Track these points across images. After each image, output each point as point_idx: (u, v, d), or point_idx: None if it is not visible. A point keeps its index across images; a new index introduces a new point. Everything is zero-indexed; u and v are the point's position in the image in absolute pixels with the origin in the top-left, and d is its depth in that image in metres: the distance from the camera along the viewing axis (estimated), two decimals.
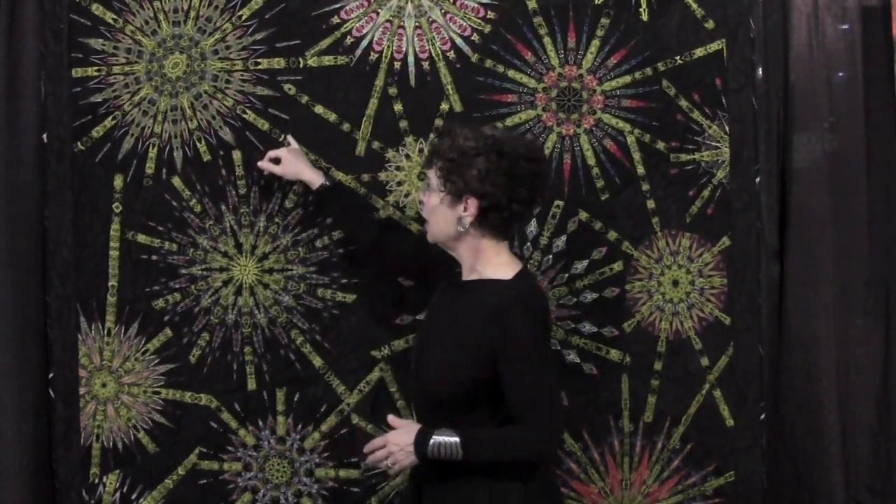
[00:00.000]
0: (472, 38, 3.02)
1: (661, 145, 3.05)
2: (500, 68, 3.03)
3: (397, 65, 3.01)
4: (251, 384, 3.02)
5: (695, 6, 3.03)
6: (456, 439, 2.46)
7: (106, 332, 3.02)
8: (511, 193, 2.51)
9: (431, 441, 2.48)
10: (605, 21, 3.02)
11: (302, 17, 3.00)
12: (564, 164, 3.04)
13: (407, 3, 3.01)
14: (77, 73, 2.99)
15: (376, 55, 3.01)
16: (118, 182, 3.00)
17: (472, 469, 2.49)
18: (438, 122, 3.01)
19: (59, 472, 3.02)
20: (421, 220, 2.97)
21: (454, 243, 2.60)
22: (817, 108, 3.12)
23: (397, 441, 2.54)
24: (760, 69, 3.06)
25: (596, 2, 3.02)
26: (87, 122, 3.00)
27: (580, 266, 3.06)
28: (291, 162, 2.92)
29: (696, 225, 3.06)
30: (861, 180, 3.14)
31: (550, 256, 3.05)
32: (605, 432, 3.07)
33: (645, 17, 3.03)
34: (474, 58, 3.02)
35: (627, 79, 3.04)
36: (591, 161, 3.05)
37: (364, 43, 3.01)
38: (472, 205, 2.52)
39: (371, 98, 3.01)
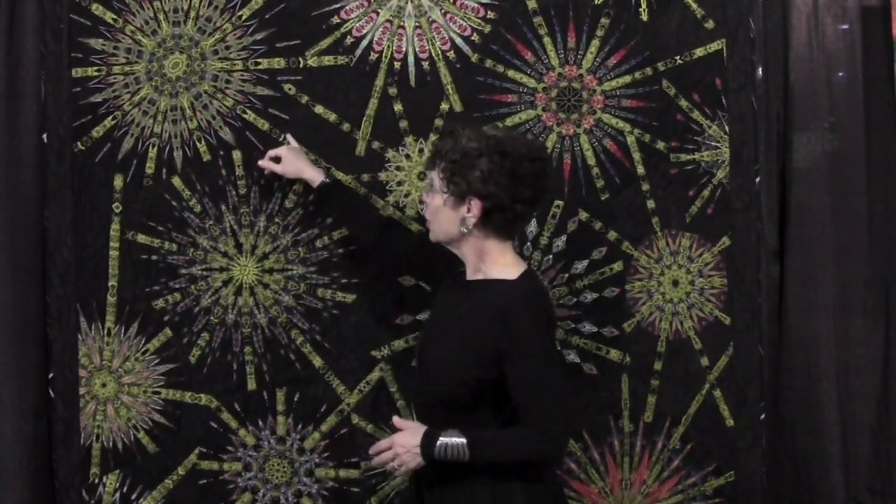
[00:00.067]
0: (472, 38, 3.02)
1: (661, 145, 3.05)
2: (500, 68, 3.03)
3: (397, 65, 3.01)
4: (251, 384, 3.02)
5: (695, 6, 3.03)
6: (463, 440, 2.45)
7: (106, 332, 3.02)
8: (514, 194, 2.49)
9: (438, 442, 2.47)
10: (605, 21, 3.02)
11: (302, 17, 3.00)
12: (564, 164, 3.04)
13: (407, 3, 3.01)
14: (77, 73, 2.99)
15: (376, 55, 3.01)
16: (118, 182, 3.00)
17: (475, 469, 2.48)
18: (438, 122, 3.01)
19: (59, 472, 3.02)
20: (421, 220, 2.97)
21: (458, 244, 2.59)
22: (817, 108, 3.12)
23: (403, 442, 2.52)
24: (760, 69, 3.06)
25: (596, 2, 3.02)
26: (87, 122, 3.00)
27: (580, 266, 3.06)
28: (292, 160, 2.92)
29: (696, 225, 3.06)
30: (861, 180, 3.14)
31: (550, 256, 3.05)
32: (605, 432, 3.07)
33: (645, 17, 3.03)
34: (474, 58, 3.02)
35: (627, 79, 3.04)
36: (591, 161, 3.05)
37: (364, 43, 3.01)
38: (476, 206, 2.51)
39: (371, 98, 3.01)
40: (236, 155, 3.01)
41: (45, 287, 3.02)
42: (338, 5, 3.01)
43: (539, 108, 3.04)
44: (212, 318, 3.02)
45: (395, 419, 2.61)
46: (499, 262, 2.55)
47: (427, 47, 3.01)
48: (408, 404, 3.02)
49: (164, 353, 3.02)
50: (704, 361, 3.06)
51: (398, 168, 3.02)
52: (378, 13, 3.01)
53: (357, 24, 3.01)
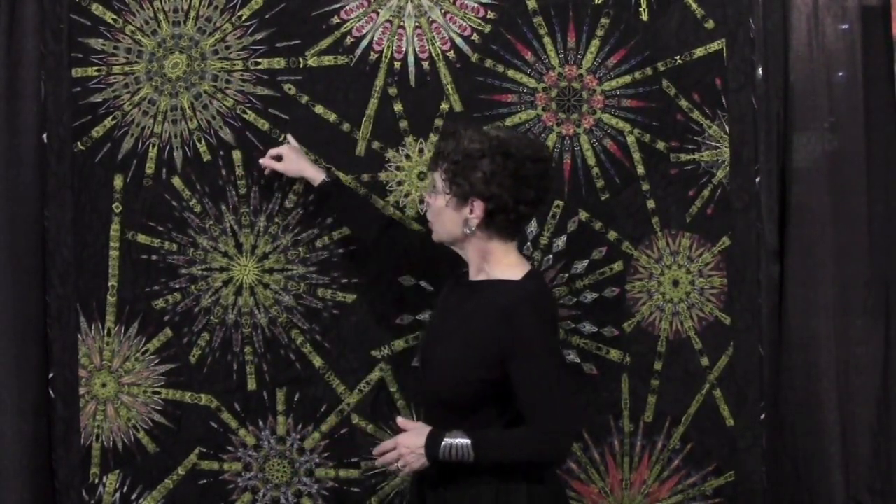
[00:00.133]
0: (472, 38, 3.02)
1: (661, 145, 3.05)
2: (500, 68, 3.03)
3: (397, 65, 3.01)
4: (251, 384, 3.02)
5: (695, 6, 3.03)
6: (467, 441, 2.45)
7: (106, 332, 3.02)
8: (517, 195, 2.48)
9: (443, 443, 2.46)
10: (605, 21, 3.02)
11: (302, 17, 3.00)
12: (564, 164, 3.04)
13: (407, 3, 3.01)
14: (77, 73, 2.99)
15: (376, 55, 3.01)
16: (118, 182, 3.00)
17: (478, 470, 2.47)
18: (438, 122, 3.01)
19: (59, 472, 3.02)
20: (422, 220, 2.98)
21: (461, 244, 2.58)
22: (817, 108, 3.13)
23: (408, 443, 2.51)
24: (760, 69, 3.06)
25: (596, 2, 3.02)
26: (87, 122, 3.00)
27: (580, 266, 3.06)
28: (293, 159, 2.92)
29: (696, 225, 3.06)
30: (861, 180, 3.14)
31: (550, 256, 3.05)
32: (605, 432, 3.07)
33: (645, 17, 3.03)
34: (474, 58, 3.02)
35: (627, 79, 3.04)
36: (591, 161, 3.05)
37: (364, 43, 3.01)
38: (479, 207, 2.50)
39: (371, 98, 3.01)
40: (236, 155, 3.01)
41: (45, 287, 3.02)
42: (338, 5, 3.01)
43: (539, 108, 3.04)
44: (212, 318, 3.02)
45: (399, 419, 2.60)
46: (502, 263, 2.55)
47: (427, 47, 3.01)
48: (408, 404, 3.02)
49: (164, 353, 3.02)
50: (704, 361, 3.07)
51: (398, 168, 3.02)
52: (378, 13, 3.01)
53: (357, 24, 3.01)
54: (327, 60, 3.01)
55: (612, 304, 3.06)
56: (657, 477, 3.08)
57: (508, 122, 3.02)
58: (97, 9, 2.99)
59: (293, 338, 3.02)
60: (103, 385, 3.02)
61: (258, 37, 3.00)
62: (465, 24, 3.02)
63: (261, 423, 3.03)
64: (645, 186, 3.05)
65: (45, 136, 3.00)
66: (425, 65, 3.01)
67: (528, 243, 3.04)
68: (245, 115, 3.00)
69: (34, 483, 3.02)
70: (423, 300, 3.01)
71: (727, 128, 3.05)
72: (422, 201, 3.01)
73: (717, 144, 3.05)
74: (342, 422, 3.03)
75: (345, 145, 3.01)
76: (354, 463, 3.03)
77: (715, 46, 3.04)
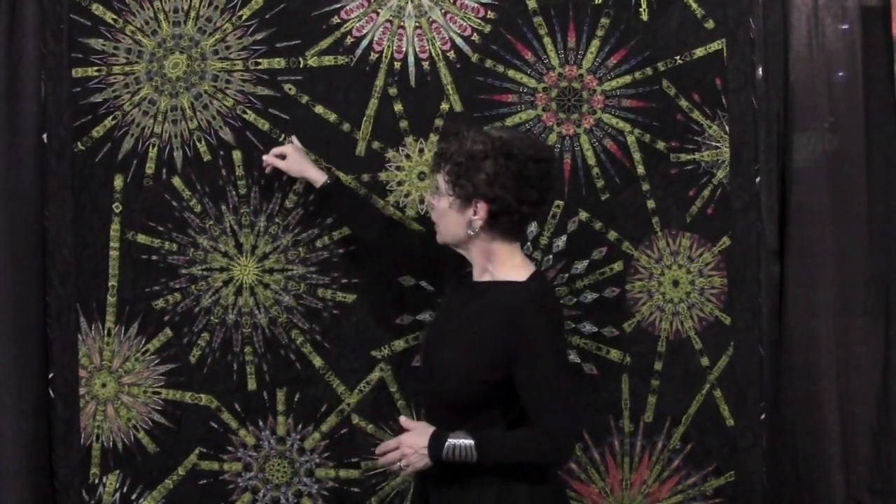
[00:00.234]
0: (472, 38, 3.02)
1: (661, 145, 3.05)
2: (500, 68, 3.03)
3: (397, 65, 3.01)
4: (251, 384, 3.02)
5: (695, 6, 3.03)
6: (471, 442, 2.44)
7: (106, 332, 3.01)
8: (521, 196, 2.47)
9: (446, 444, 2.46)
10: (605, 21, 3.02)
11: (302, 17, 3.00)
12: (564, 164, 3.04)
13: (407, 3, 3.01)
14: (77, 73, 2.99)
15: (376, 55, 3.01)
16: (118, 182, 3.00)
17: (480, 470, 2.47)
18: (438, 122, 3.01)
19: (59, 472, 3.02)
20: (422, 220, 2.98)
21: (465, 246, 2.57)
22: (817, 108, 3.13)
23: (411, 443, 2.51)
24: (760, 69, 3.06)
25: (596, 2, 3.02)
26: (87, 122, 3.00)
27: (580, 266, 3.06)
28: (297, 159, 2.92)
29: (696, 225, 3.06)
30: (861, 180, 3.14)
31: (550, 256, 3.05)
32: (605, 432, 3.07)
33: (645, 17, 3.03)
34: (474, 58, 3.02)
35: (627, 79, 3.04)
36: (592, 161, 3.05)
37: (364, 43, 3.01)
38: (482, 208, 2.49)
39: (371, 98, 3.01)
40: (236, 155, 3.01)
41: (45, 287, 3.02)
42: (338, 5, 3.01)
43: (539, 108, 3.04)
44: (212, 318, 3.02)
45: (402, 419, 2.59)
46: (507, 264, 2.54)
47: (427, 47, 3.01)
48: (408, 404, 3.02)
49: (165, 353, 3.02)
50: (705, 361, 3.07)
51: (398, 168, 3.02)
52: (378, 13, 3.01)
53: (357, 25, 3.01)
54: (327, 60, 3.01)
55: (612, 304, 3.06)
56: (657, 477, 3.08)
57: (508, 122, 3.02)
58: (97, 9, 2.99)
59: (293, 338, 3.02)
60: (103, 385, 3.02)
61: (258, 37, 3.00)
62: (465, 24, 3.02)
63: (261, 423, 3.03)
64: (645, 186, 3.05)
65: (45, 136, 3.00)
66: (425, 65, 3.01)
67: (528, 243, 3.04)
68: (245, 116, 3.00)
69: (34, 483, 3.02)
70: (423, 300, 3.01)
71: (727, 128, 3.05)
72: (422, 201, 3.01)
73: (718, 144, 3.05)
74: (342, 422, 3.03)
75: (345, 145, 3.01)
76: (354, 463, 3.03)
77: (715, 46, 3.04)
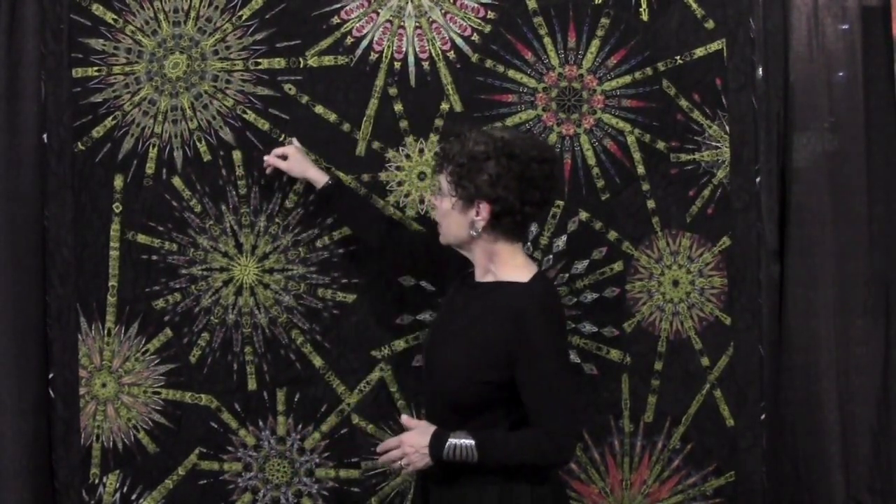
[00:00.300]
0: (472, 38, 3.02)
1: (661, 145, 3.05)
2: (500, 68, 3.03)
3: (397, 65, 3.01)
4: (251, 384, 3.02)
5: (695, 6, 3.03)
6: (472, 442, 2.44)
7: (106, 332, 3.01)
8: (523, 196, 2.47)
9: (447, 443, 2.46)
10: (605, 21, 3.02)
11: (302, 17, 3.00)
12: (564, 164, 3.04)
13: (407, 3, 3.01)
14: (77, 73, 2.99)
15: (376, 55, 3.01)
16: (118, 182, 3.00)
17: (482, 470, 2.47)
18: (438, 122, 3.01)
19: (59, 472, 3.02)
20: (422, 220, 2.98)
21: (468, 246, 2.57)
22: (817, 108, 3.13)
23: (412, 442, 2.51)
24: (760, 69, 3.06)
25: (596, 2, 3.02)
26: (88, 122, 3.00)
27: (580, 266, 3.06)
28: (298, 160, 2.92)
29: (696, 225, 3.06)
30: (861, 180, 3.14)
31: (551, 256, 3.05)
32: (605, 432, 3.07)
33: (645, 17, 3.03)
34: (474, 58, 3.02)
35: (627, 79, 3.04)
36: (592, 161, 3.05)
37: (364, 43, 3.01)
38: (485, 209, 2.49)
39: (371, 98, 3.01)
40: (236, 155, 3.01)
41: (45, 287, 3.02)
42: (338, 5, 3.01)
43: (539, 108, 3.04)
44: (212, 318, 3.02)
45: (404, 418, 2.60)
46: (509, 264, 2.54)
47: (427, 47, 3.01)
48: (408, 404, 3.02)
49: (165, 353, 3.02)
50: (705, 361, 3.07)
51: (398, 168, 3.02)
52: (378, 13, 3.01)
53: (357, 25, 3.01)
54: (327, 60, 3.01)
55: (612, 304, 3.06)
56: (657, 477, 3.08)
57: (509, 122, 3.02)
58: (97, 9, 2.99)
59: (293, 338, 3.02)
60: (103, 385, 3.02)
61: (258, 37, 3.00)
62: (465, 24, 3.02)
63: (261, 423, 3.03)
64: (645, 186, 3.05)
65: (45, 136, 3.00)
66: (425, 65, 3.01)
67: (529, 243, 3.03)
68: (245, 116, 3.00)
69: (34, 483, 3.02)
70: (423, 300, 3.02)
71: (727, 128, 3.05)
72: (422, 201, 3.01)
73: (718, 144, 3.05)
74: (342, 422, 3.03)
75: (345, 145, 3.01)
76: (355, 463, 3.03)
77: (715, 46, 3.04)
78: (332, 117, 3.01)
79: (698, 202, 3.06)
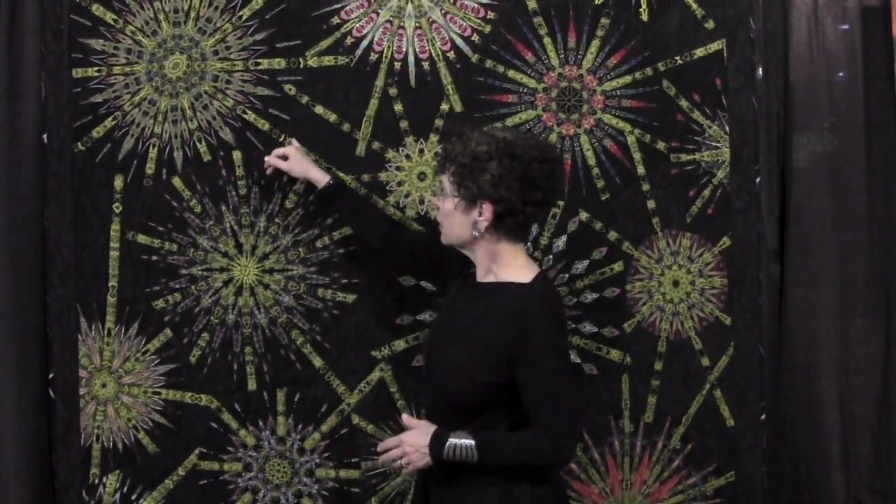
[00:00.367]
0: (472, 38, 3.02)
1: (661, 145, 3.05)
2: (500, 68, 3.03)
3: (397, 65, 3.01)
4: (251, 384, 3.02)
5: (695, 6, 3.03)
6: (472, 442, 2.45)
7: (106, 332, 3.01)
8: (526, 197, 2.47)
9: (447, 443, 2.46)
10: (605, 21, 3.02)
11: (302, 18, 3.00)
12: (565, 164, 3.04)
13: (407, 3, 3.01)
14: (77, 73, 2.99)
15: (376, 55, 3.01)
16: (118, 182, 3.00)
17: (482, 470, 2.47)
18: (438, 122, 3.01)
19: (59, 472, 3.02)
20: (422, 220, 2.98)
21: (470, 247, 2.57)
22: (817, 108, 3.13)
23: (412, 441, 2.51)
24: (760, 69, 3.06)
25: (596, 2, 3.02)
26: (88, 122, 3.00)
27: (580, 266, 3.06)
28: (299, 160, 2.92)
29: (696, 225, 3.06)
30: (861, 180, 3.14)
31: (551, 256, 3.05)
32: (605, 432, 3.07)
33: (645, 17, 3.03)
34: (474, 58, 3.02)
35: (627, 79, 3.04)
36: (592, 161, 3.05)
37: (364, 43, 3.01)
38: (487, 209, 2.49)
39: (371, 98, 3.01)
40: (236, 155, 3.01)
41: (45, 287, 3.02)
42: (338, 6, 3.01)
43: (539, 109, 3.04)
44: (212, 318, 3.02)
45: (405, 417, 2.60)
46: (511, 265, 2.54)
47: (427, 47, 3.01)
48: (408, 404, 3.02)
49: (165, 353, 3.02)
50: (705, 361, 3.07)
51: (398, 168, 3.02)
52: (378, 13, 3.01)
53: (357, 25, 3.01)
54: (327, 61, 3.01)
55: (612, 304, 3.06)
56: (657, 477, 3.08)
57: (509, 122, 3.02)
58: (97, 9, 2.99)
59: (293, 338, 3.02)
60: (103, 385, 3.02)
61: (258, 37, 3.00)
62: (465, 24, 3.02)
63: (261, 423, 3.03)
64: (645, 187, 3.05)
65: (45, 136, 3.00)
66: (425, 65, 3.01)
67: (529, 243, 3.03)
68: (245, 116, 3.00)
69: (34, 483, 3.02)
70: (423, 300, 3.02)
71: (727, 128, 3.05)
72: (422, 201, 3.01)
73: (718, 144, 3.05)
74: (342, 422, 3.03)
75: (345, 146, 3.01)
76: (355, 463, 3.03)
77: (715, 46, 3.04)
78: (333, 117, 3.01)
79: (698, 202, 3.06)
